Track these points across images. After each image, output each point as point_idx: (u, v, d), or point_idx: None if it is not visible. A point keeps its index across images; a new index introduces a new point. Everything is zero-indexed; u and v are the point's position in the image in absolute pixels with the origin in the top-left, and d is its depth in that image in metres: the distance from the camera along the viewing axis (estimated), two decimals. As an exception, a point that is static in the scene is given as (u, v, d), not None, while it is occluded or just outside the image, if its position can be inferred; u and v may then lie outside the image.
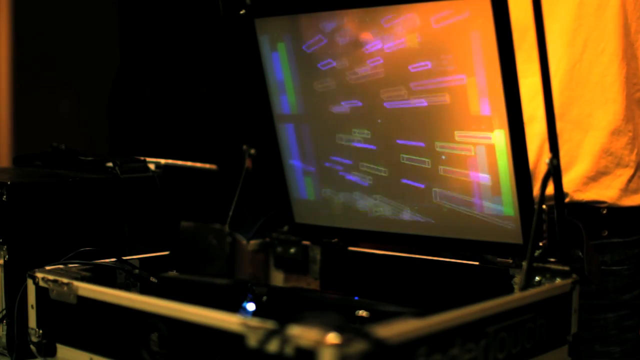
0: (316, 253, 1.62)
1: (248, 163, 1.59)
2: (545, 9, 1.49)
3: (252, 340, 0.93)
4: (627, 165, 1.53)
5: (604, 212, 1.55)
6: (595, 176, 1.54)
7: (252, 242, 1.66)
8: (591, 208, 1.55)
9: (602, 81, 1.52)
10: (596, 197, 1.54)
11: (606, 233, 1.55)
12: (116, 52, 3.56)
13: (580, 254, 1.25)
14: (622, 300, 1.56)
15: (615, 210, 1.55)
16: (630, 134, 1.53)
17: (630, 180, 1.54)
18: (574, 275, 1.24)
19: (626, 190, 1.54)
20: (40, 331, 1.26)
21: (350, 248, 1.59)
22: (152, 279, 1.38)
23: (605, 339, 1.56)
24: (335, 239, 1.60)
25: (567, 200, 1.52)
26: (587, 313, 1.49)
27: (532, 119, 1.49)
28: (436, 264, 1.46)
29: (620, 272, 1.56)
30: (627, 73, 1.52)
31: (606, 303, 1.56)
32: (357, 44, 1.37)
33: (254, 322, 0.93)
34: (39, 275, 1.26)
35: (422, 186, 1.41)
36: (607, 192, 1.54)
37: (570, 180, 1.53)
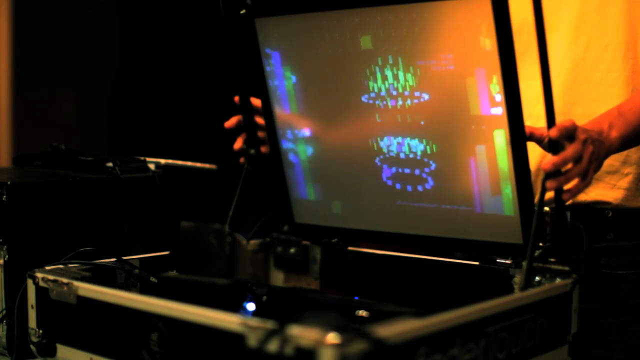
0: (316, 253, 1.62)
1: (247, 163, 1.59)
2: (552, 9, 1.49)
3: (252, 340, 0.93)
4: (634, 163, 1.51)
5: (609, 214, 1.52)
6: (601, 175, 1.51)
7: (252, 242, 1.66)
8: (595, 210, 1.52)
9: (606, 78, 1.51)
10: (600, 198, 1.51)
11: (611, 236, 1.53)
12: (116, 52, 3.56)
13: (582, 256, 1.24)
14: (628, 306, 1.53)
15: (621, 212, 1.52)
16: None
17: (637, 179, 1.52)
18: (574, 275, 1.24)
19: (634, 190, 1.51)
20: (40, 331, 1.26)
21: (350, 248, 1.59)
22: (152, 279, 1.38)
23: (609, 344, 1.53)
24: (335, 239, 1.60)
25: (570, 201, 1.51)
26: (591, 317, 1.47)
27: (540, 118, 1.48)
28: (436, 264, 1.46)
29: (627, 276, 1.52)
30: (632, 67, 1.50)
31: (610, 307, 1.53)
32: (357, 44, 1.37)
33: (254, 322, 0.93)
34: (39, 275, 1.26)
35: (422, 186, 1.41)
36: (612, 192, 1.51)
37: None
